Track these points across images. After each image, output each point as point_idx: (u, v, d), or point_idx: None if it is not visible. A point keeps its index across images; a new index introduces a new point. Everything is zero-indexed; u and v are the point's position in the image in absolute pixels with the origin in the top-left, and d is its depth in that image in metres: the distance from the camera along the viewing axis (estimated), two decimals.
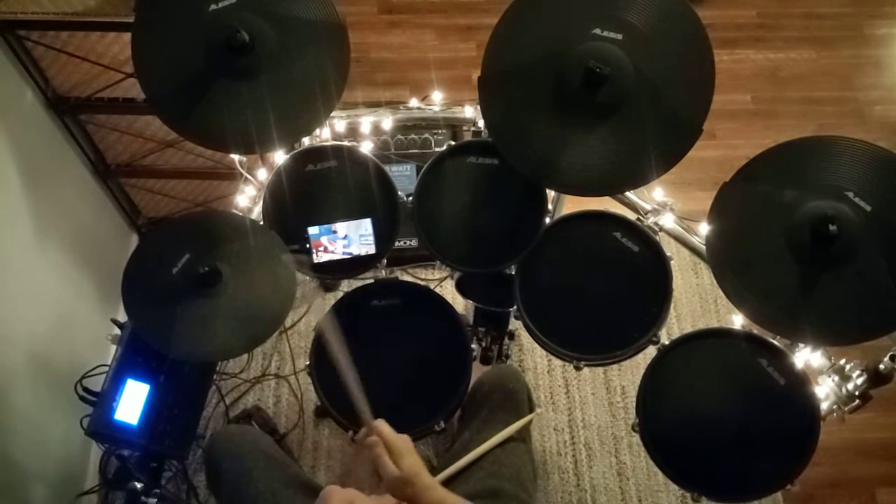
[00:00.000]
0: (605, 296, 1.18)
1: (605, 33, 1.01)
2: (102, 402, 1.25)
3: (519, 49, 1.05)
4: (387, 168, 1.23)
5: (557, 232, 1.20)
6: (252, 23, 1.03)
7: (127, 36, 1.39)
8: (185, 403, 1.34)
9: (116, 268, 1.13)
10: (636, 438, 1.26)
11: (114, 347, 1.29)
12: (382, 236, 1.24)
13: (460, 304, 1.73)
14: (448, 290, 1.99)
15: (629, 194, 1.26)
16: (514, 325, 1.62)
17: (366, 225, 1.23)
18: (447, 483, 1.15)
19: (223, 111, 1.06)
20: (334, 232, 1.23)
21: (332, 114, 1.20)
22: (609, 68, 0.98)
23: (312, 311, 2.03)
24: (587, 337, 1.18)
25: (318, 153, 1.22)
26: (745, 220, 1.03)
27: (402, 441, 0.96)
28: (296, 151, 1.23)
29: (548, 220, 1.21)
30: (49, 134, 1.66)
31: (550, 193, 1.26)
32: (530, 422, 1.27)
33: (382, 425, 0.97)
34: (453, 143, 1.22)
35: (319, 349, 1.24)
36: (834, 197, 0.96)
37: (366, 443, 0.96)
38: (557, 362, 2.02)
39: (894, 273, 0.94)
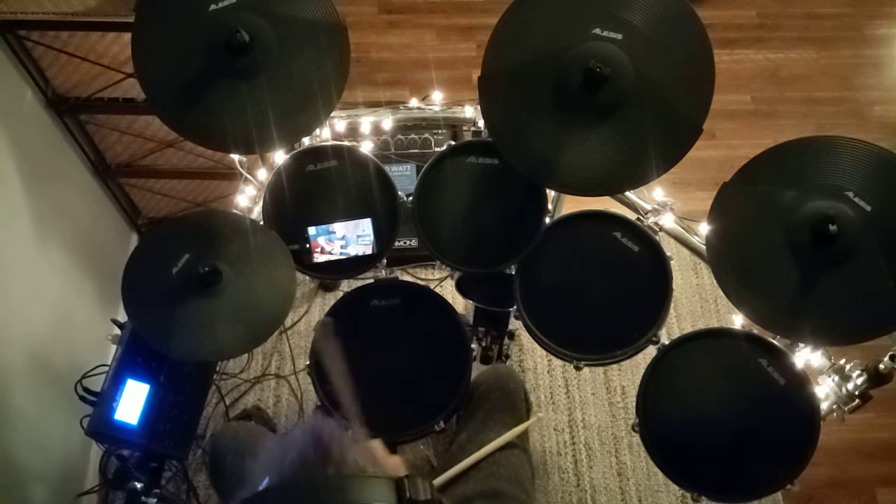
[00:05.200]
0: (605, 295, 1.18)
1: (605, 33, 1.01)
2: (102, 402, 1.25)
3: (519, 49, 1.05)
4: (387, 168, 1.23)
5: (557, 232, 1.20)
6: (252, 23, 1.03)
7: (127, 36, 1.39)
8: (185, 403, 1.34)
9: (116, 268, 1.13)
10: (636, 438, 1.26)
11: (114, 347, 1.29)
12: (382, 236, 1.24)
13: (460, 304, 1.73)
14: (448, 290, 1.99)
15: (629, 194, 1.26)
16: (514, 325, 1.62)
17: (364, 225, 1.23)
18: (446, 486, 1.15)
19: (223, 111, 1.06)
20: (332, 232, 1.23)
21: (332, 114, 1.20)
22: (609, 68, 0.98)
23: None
24: (587, 337, 1.18)
25: (318, 153, 1.22)
26: (746, 220, 1.03)
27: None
28: (296, 151, 1.23)
29: (548, 220, 1.21)
30: (49, 134, 1.66)
31: (550, 193, 1.26)
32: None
33: (377, 447, 0.95)
34: (453, 143, 1.22)
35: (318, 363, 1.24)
36: (834, 197, 0.96)
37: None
38: (557, 362, 2.02)
39: (894, 273, 0.94)
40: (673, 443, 1.11)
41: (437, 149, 1.64)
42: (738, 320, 1.17)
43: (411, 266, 2.14)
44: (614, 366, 1.42)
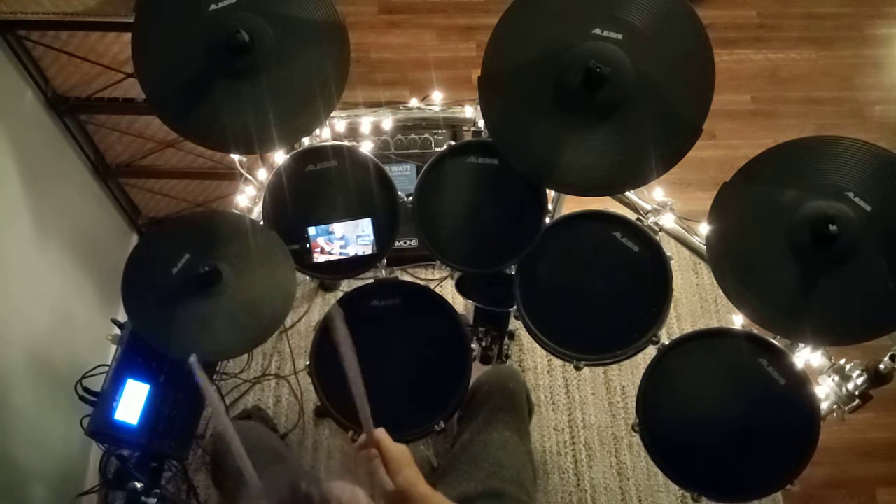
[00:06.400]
0: (605, 296, 1.18)
1: (605, 33, 1.01)
2: (102, 402, 1.25)
3: (519, 49, 1.05)
4: (387, 168, 1.23)
5: (557, 232, 1.20)
6: (252, 23, 1.03)
7: (127, 36, 1.39)
8: (185, 403, 1.34)
9: (116, 268, 1.13)
10: (636, 438, 1.26)
11: (114, 347, 1.29)
12: (382, 236, 1.24)
13: (460, 304, 1.73)
14: (448, 290, 1.99)
15: (629, 194, 1.26)
16: (514, 325, 1.62)
17: (363, 225, 1.23)
18: (446, 483, 1.15)
19: (223, 111, 1.05)
20: (332, 232, 1.23)
21: (332, 114, 1.20)
22: (609, 68, 0.98)
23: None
24: (587, 337, 1.18)
25: (318, 153, 1.22)
26: (746, 220, 1.03)
27: (401, 452, 0.92)
28: (296, 151, 1.23)
29: (548, 220, 1.21)
30: (49, 134, 1.66)
31: (550, 193, 1.26)
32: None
33: (382, 436, 0.93)
34: (453, 143, 1.22)
35: (321, 349, 1.24)
36: (834, 197, 0.96)
37: (364, 455, 0.93)
38: (557, 362, 2.02)
39: (894, 273, 0.94)
40: (673, 443, 1.11)
41: (437, 149, 1.64)
42: (738, 320, 1.17)
43: (411, 266, 2.14)
44: (614, 366, 1.42)
